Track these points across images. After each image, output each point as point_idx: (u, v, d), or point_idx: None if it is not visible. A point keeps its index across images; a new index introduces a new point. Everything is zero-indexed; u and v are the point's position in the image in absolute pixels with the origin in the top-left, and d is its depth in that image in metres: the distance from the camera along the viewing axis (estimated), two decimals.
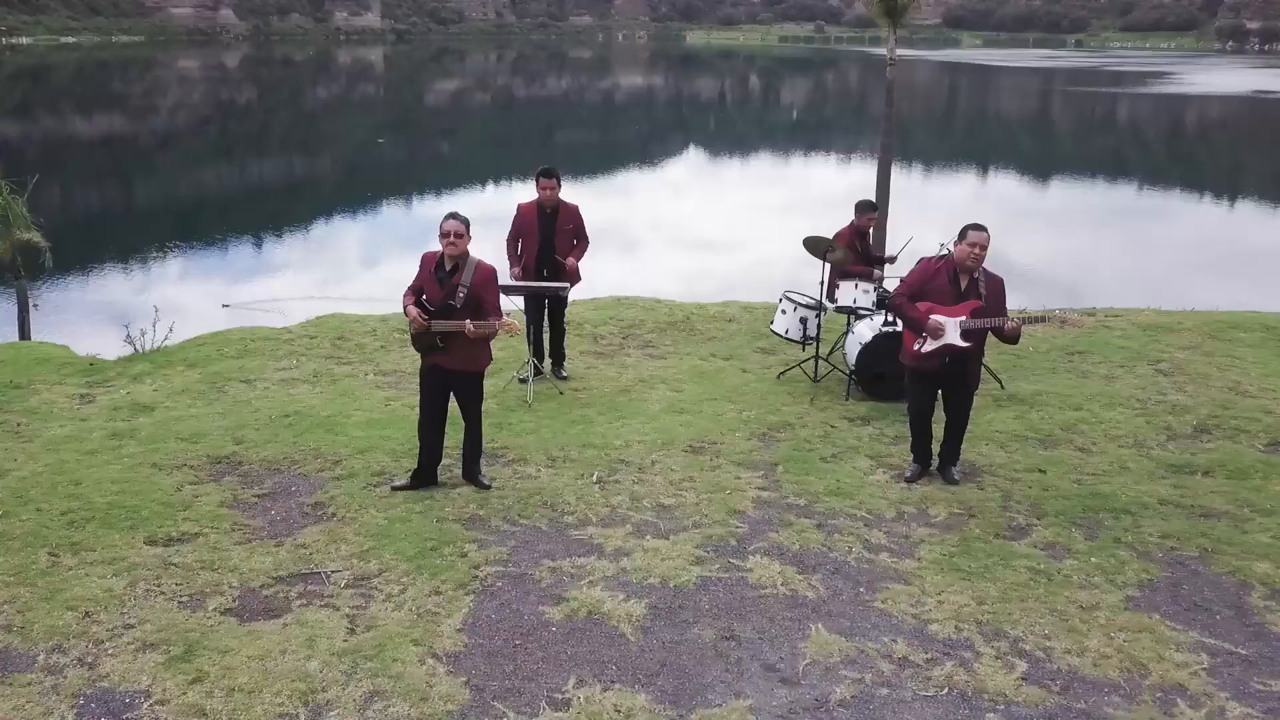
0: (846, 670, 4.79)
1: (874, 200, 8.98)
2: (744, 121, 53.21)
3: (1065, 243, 20.30)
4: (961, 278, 6.39)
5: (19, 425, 7.64)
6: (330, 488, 6.61)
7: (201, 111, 50.04)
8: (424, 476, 6.58)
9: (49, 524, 5.98)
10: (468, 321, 6.12)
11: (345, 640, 4.93)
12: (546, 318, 8.57)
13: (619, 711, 4.48)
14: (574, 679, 4.70)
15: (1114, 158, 35.75)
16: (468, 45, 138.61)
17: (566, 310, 8.90)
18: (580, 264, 8.43)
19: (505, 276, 8.17)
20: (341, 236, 20.96)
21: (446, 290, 6.13)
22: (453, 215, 6.10)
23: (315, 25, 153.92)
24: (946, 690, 4.66)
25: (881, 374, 8.18)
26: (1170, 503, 6.54)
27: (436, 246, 6.26)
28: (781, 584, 5.52)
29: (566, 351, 8.96)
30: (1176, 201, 27.54)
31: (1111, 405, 8.24)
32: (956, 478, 6.78)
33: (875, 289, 8.57)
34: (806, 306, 8.67)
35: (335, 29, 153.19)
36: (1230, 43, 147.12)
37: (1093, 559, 5.82)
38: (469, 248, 6.23)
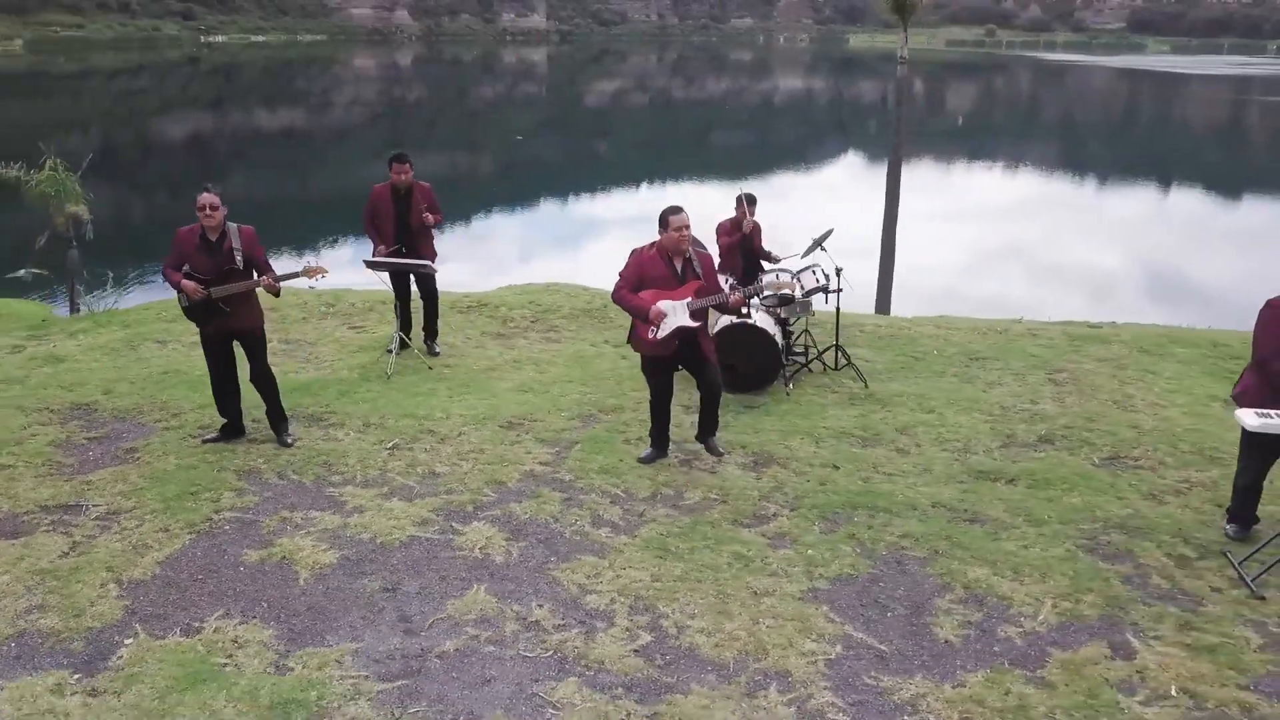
0: (473, 628, 5.01)
1: (754, 194, 8.95)
2: (906, 127, 51.96)
3: (1251, 262, 17.97)
4: (676, 261, 6.45)
5: None
6: (154, 436, 7.23)
7: (375, 109, 52.55)
8: (231, 431, 7.13)
9: None
10: (265, 278, 6.67)
11: (51, 562, 5.49)
12: (418, 295, 8.99)
13: (235, 643, 4.85)
14: (221, 611, 5.10)
15: None
16: (629, 46, 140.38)
17: (438, 289, 9.21)
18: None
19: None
20: (496, 230, 21.56)
21: (221, 258, 6.62)
22: (207, 188, 6.57)
23: (484, 26, 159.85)
24: (552, 653, 4.81)
25: (732, 365, 8.21)
26: (944, 506, 6.37)
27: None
28: (480, 548, 5.75)
29: (438, 329, 9.29)
30: None
31: (969, 410, 7.99)
32: (721, 450, 6.95)
33: (727, 281, 8.56)
34: None
35: (502, 29, 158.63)
36: None
37: (810, 551, 5.78)
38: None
